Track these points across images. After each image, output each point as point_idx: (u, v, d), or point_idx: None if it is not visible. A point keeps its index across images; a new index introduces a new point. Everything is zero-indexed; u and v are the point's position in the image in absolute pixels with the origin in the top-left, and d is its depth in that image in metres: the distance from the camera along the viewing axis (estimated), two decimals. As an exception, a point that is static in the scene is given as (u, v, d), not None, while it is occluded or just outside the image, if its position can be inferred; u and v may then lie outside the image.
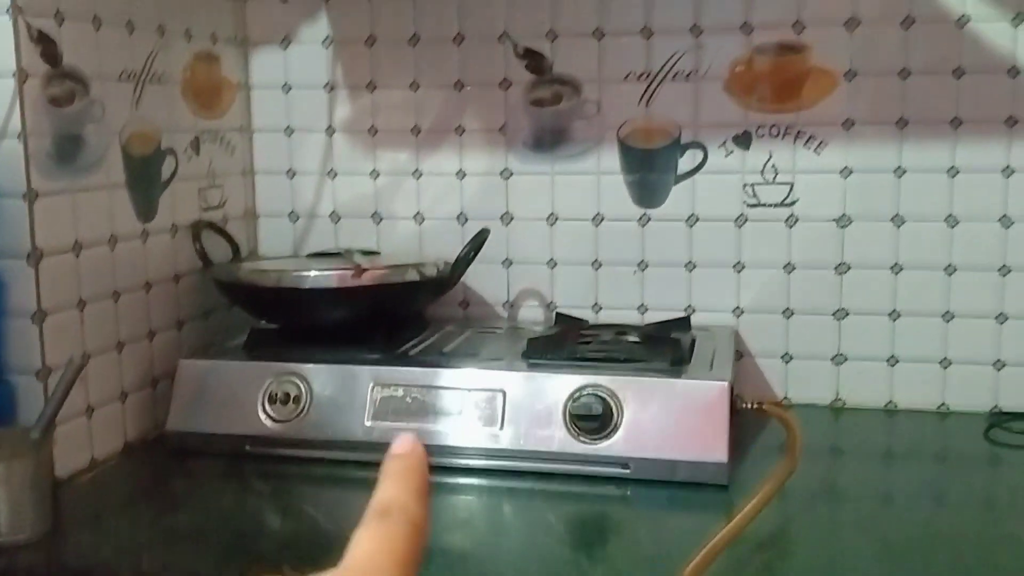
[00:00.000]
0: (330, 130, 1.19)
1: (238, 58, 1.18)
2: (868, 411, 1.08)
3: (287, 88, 1.19)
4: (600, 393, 0.88)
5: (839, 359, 1.09)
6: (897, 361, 1.07)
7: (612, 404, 0.87)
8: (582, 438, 0.87)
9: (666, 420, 0.87)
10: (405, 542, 0.31)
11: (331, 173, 1.19)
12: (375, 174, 1.18)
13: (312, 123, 1.19)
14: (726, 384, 0.87)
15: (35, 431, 0.76)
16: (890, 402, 1.08)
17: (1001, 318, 1.04)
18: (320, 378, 0.94)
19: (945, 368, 1.06)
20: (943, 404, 1.07)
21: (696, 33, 1.07)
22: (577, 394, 0.88)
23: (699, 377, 0.89)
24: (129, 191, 0.97)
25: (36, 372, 0.85)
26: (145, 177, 1.00)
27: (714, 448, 0.85)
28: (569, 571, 0.73)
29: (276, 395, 0.94)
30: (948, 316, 1.06)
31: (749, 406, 0.87)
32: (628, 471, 0.86)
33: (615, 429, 0.87)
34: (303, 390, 0.94)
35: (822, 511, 0.84)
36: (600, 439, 0.87)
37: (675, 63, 1.08)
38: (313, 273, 0.99)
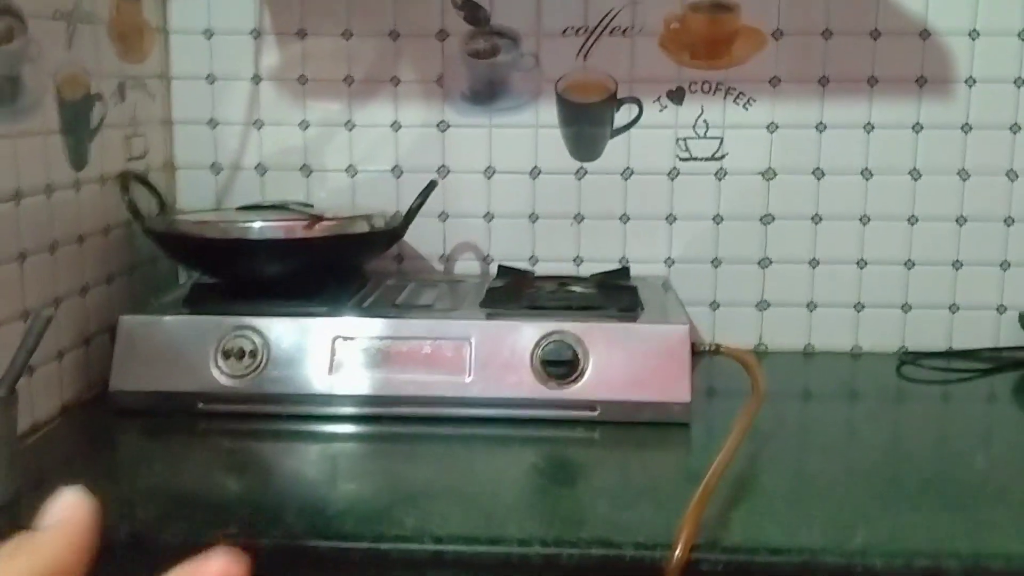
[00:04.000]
0: (256, 78, 1.15)
1: (158, 1, 1.12)
2: (788, 354, 1.15)
3: (209, 34, 1.14)
4: (567, 339, 0.90)
5: (763, 305, 1.15)
6: (816, 306, 1.15)
7: (579, 350, 0.89)
8: (551, 383, 0.89)
9: (630, 364, 0.90)
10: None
11: (257, 123, 1.16)
12: (304, 125, 1.15)
13: (236, 71, 1.15)
14: (686, 327, 0.91)
15: (1, 389, 0.71)
16: (808, 344, 1.16)
17: (909, 264, 1.13)
18: (277, 332, 0.92)
19: (859, 312, 1.14)
20: (857, 345, 1.15)
21: (632, -11, 1.10)
22: (545, 341, 0.90)
23: (660, 322, 0.93)
24: (63, 137, 0.91)
25: (-21, 329, 0.79)
26: (76, 123, 0.94)
27: (677, 389, 0.89)
28: (545, 508, 0.74)
29: (231, 350, 0.91)
30: (862, 263, 1.13)
31: (708, 348, 0.91)
32: (595, 413, 0.89)
33: (582, 373, 0.89)
34: (258, 344, 0.91)
35: (760, 446, 0.89)
36: (568, 383, 0.89)
37: (612, 19, 1.10)
38: (261, 224, 0.97)
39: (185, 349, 0.92)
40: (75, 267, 0.94)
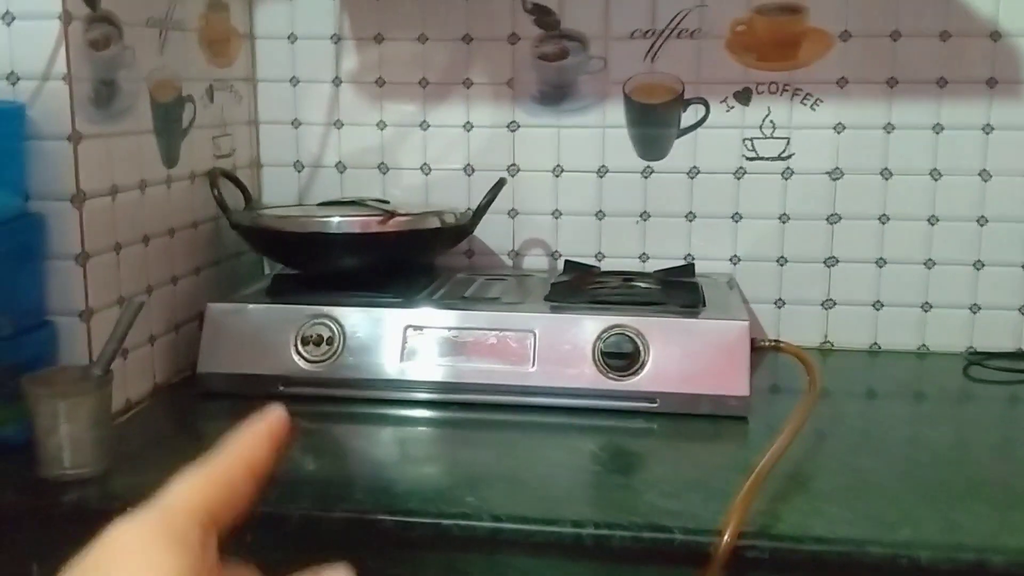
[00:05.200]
0: (336, 81, 1.20)
1: (245, 8, 1.18)
2: (854, 352, 1.16)
3: (292, 39, 1.20)
4: (628, 333, 0.93)
5: (828, 304, 1.16)
6: (882, 305, 1.15)
7: (639, 343, 0.92)
8: (611, 375, 0.92)
9: (690, 357, 0.92)
10: (223, 487, 0.35)
11: (337, 124, 1.21)
12: (382, 125, 1.20)
13: (318, 74, 1.20)
14: (746, 323, 0.93)
15: (97, 368, 0.77)
16: (874, 343, 1.16)
17: (978, 264, 1.13)
18: (353, 320, 0.97)
19: (926, 312, 1.14)
20: (923, 345, 1.15)
21: (700, -8, 1.12)
22: (606, 334, 0.93)
23: (719, 317, 0.95)
24: (156, 137, 0.98)
25: (79, 313, 0.86)
26: (168, 124, 1.00)
27: (736, 383, 0.91)
28: (599, 493, 0.77)
29: (310, 337, 0.96)
30: (930, 264, 1.13)
31: (767, 344, 0.93)
32: (655, 405, 0.92)
33: (642, 366, 0.92)
34: (336, 332, 0.96)
35: (822, 443, 0.90)
36: (628, 376, 0.92)
37: (679, 21, 1.13)
38: (339, 219, 1.02)
39: (267, 335, 0.98)
40: (166, 258, 1.00)
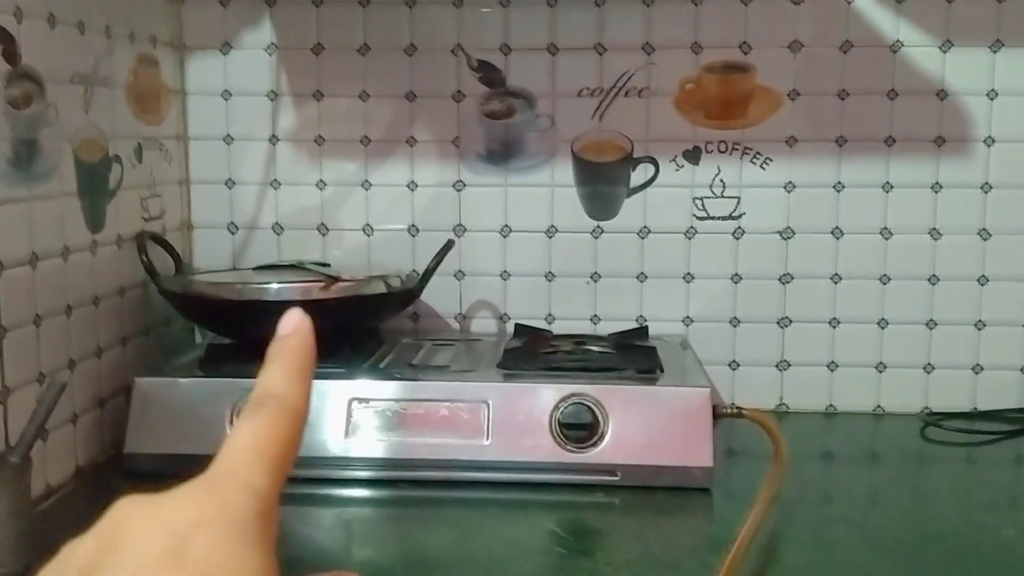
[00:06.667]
0: (273, 139, 1.15)
1: (176, 63, 1.13)
2: (810, 414, 1.13)
3: (227, 95, 1.15)
4: (587, 402, 0.88)
5: (783, 365, 1.14)
6: (836, 366, 1.13)
7: (599, 412, 0.88)
8: (569, 447, 0.88)
9: (651, 427, 0.88)
10: (278, 431, 0.31)
11: (274, 183, 1.16)
12: (321, 184, 1.16)
13: (253, 132, 1.15)
14: (707, 390, 0.89)
15: (15, 455, 0.70)
16: (830, 405, 1.14)
17: (931, 324, 1.12)
18: (293, 394, 0.90)
19: (880, 372, 1.13)
20: (879, 406, 1.13)
21: (648, 51, 1.10)
22: (564, 403, 0.89)
23: (680, 384, 0.91)
24: (80, 200, 0.91)
25: (-7, 394, 0.79)
26: (94, 185, 0.94)
27: (699, 453, 0.88)
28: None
29: (246, 413, 0.90)
30: (883, 323, 1.12)
31: (730, 411, 0.90)
32: (616, 478, 0.87)
33: (602, 437, 0.88)
34: (274, 407, 0.90)
35: (784, 511, 0.87)
36: (588, 447, 0.88)
37: (627, 80, 1.11)
38: (278, 284, 0.96)
39: (200, 411, 0.91)
40: (90, 329, 0.93)
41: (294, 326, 0.34)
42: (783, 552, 0.76)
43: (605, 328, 1.13)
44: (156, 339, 1.08)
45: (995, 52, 1.07)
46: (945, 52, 1.08)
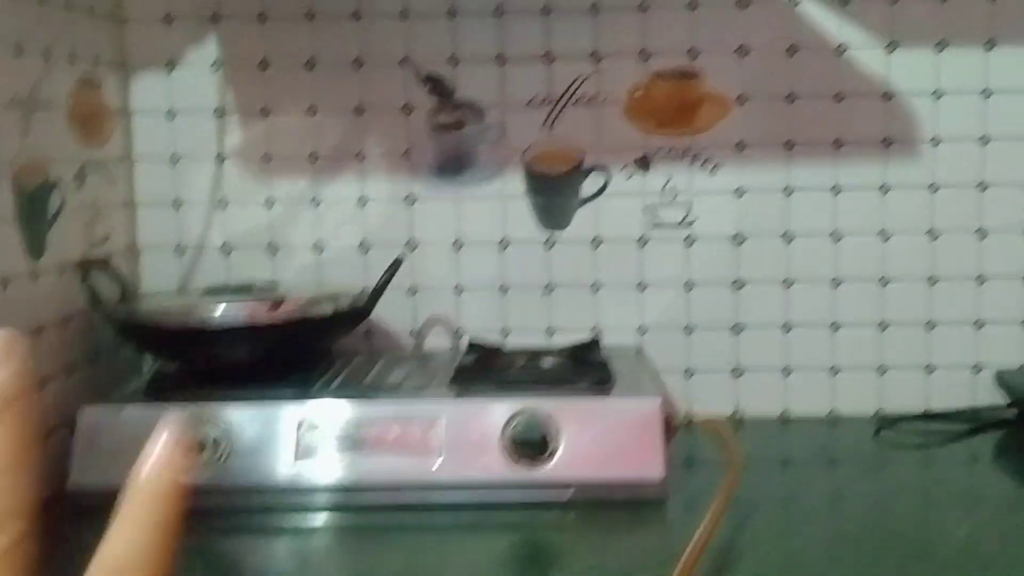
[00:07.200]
0: (220, 158, 1.14)
1: (119, 83, 1.11)
2: (765, 421, 1.13)
3: (172, 114, 1.13)
4: (538, 417, 0.88)
5: (737, 372, 1.14)
6: (791, 371, 1.13)
7: (550, 427, 0.88)
8: (522, 463, 0.87)
9: (603, 440, 0.88)
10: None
11: (222, 203, 1.14)
12: (270, 202, 1.14)
13: (200, 151, 1.14)
14: (658, 400, 0.89)
15: (-52, 497, 0.69)
16: (785, 410, 1.14)
17: (883, 325, 1.12)
18: (241, 419, 0.89)
19: (834, 375, 1.13)
20: (833, 410, 1.13)
21: (596, 59, 1.10)
22: (514, 419, 0.88)
23: (631, 395, 0.91)
24: (19, 227, 0.90)
25: (-71, 431, 0.77)
26: (34, 212, 0.92)
27: (651, 465, 0.87)
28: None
29: (193, 440, 0.89)
30: (835, 326, 1.12)
31: (683, 422, 0.90)
32: (569, 493, 0.87)
33: (554, 452, 0.87)
34: (222, 433, 0.89)
35: (742, 518, 0.87)
36: (540, 463, 0.87)
37: (576, 88, 1.10)
38: (223, 309, 0.95)
39: (146, 440, 0.89)
40: (33, 360, 0.91)
41: (164, 461, 0.30)
42: (741, 559, 0.76)
43: (560, 339, 1.12)
44: (104, 368, 1.06)
45: (940, 52, 1.08)
46: (889, 54, 1.08)
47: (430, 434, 0.88)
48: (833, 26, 1.08)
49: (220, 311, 0.94)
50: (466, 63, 1.11)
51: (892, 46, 1.08)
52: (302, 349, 0.99)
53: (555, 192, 1.12)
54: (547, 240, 1.13)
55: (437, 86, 1.11)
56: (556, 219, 1.13)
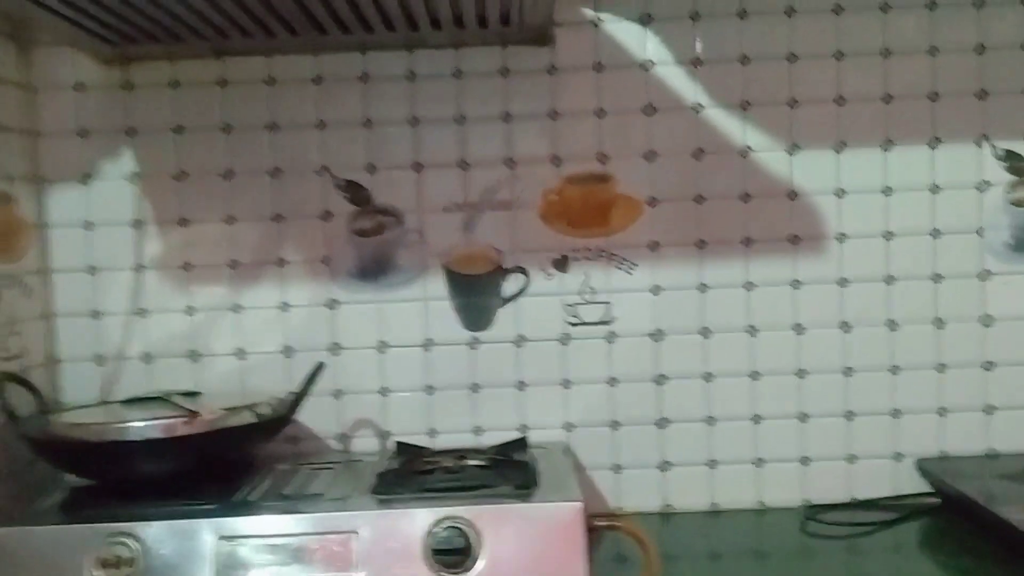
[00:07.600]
0: (138, 268, 1.13)
1: (34, 197, 1.11)
2: (694, 514, 1.14)
3: (89, 226, 1.13)
4: (459, 524, 0.87)
5: (664, 466, 1.15)
6: (716, 464, 1.15)
7: (471, 535, 0.87)
8: (443, 573, 0.86)
9: (524, 546, 0.87)
10: None
11: (141, 312, 1.14)
12: (190, 311, 1.14)
13: (118, 261, 1.13)
14: (580, 504, 0.89)
15: None
16: (713, 503, 1.15)
17: (803, 417, 1.14)
18: (156, 536, 0.87)
19: (759, 467, 1.14)
20: (760, 501, 1.14)
21: (510, 165, 1.13)
22: (435, 528, 0.87)
23: (552, 499, 0.91)
24: (-75, 348, 0.88)
25: None
26: (-59, 331, 0.91)
27: (572, 570, 0.87)
28: None
29: (107, 560, 0.86)
30: (757, 419, 1.14)
31: (603, 525, 0.90)
32: (493, 603, 0.86)
33: (476, 561, 0.87)
34: (136, 551, 0.87)
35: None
36: (461, 573, 0.86)
37: (492, 194, 1.13)
38: (138, 423, 0.93)
39: (59, 561, 0.87)
40: (-62, 482, 0.89)
41: None
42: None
43: (488, 439, 1.13)
44: (20, 482, 1.03)
45: (839, 153, 1.13)
46: (792, 155, 1.12)
47: (349, 546, 0.87)
48: (737, 130, 1.12)
49: (136, 425, 0.93)
50: (382, 171, 1.13)
51: (793, 148, 1.12)
52: (222, 460, 0.98)
53: (476, 293, 1.14)
54: (471, 341, 1.14)
55: (355, 192, 1.13)
56: (478, 320, 1.14)
